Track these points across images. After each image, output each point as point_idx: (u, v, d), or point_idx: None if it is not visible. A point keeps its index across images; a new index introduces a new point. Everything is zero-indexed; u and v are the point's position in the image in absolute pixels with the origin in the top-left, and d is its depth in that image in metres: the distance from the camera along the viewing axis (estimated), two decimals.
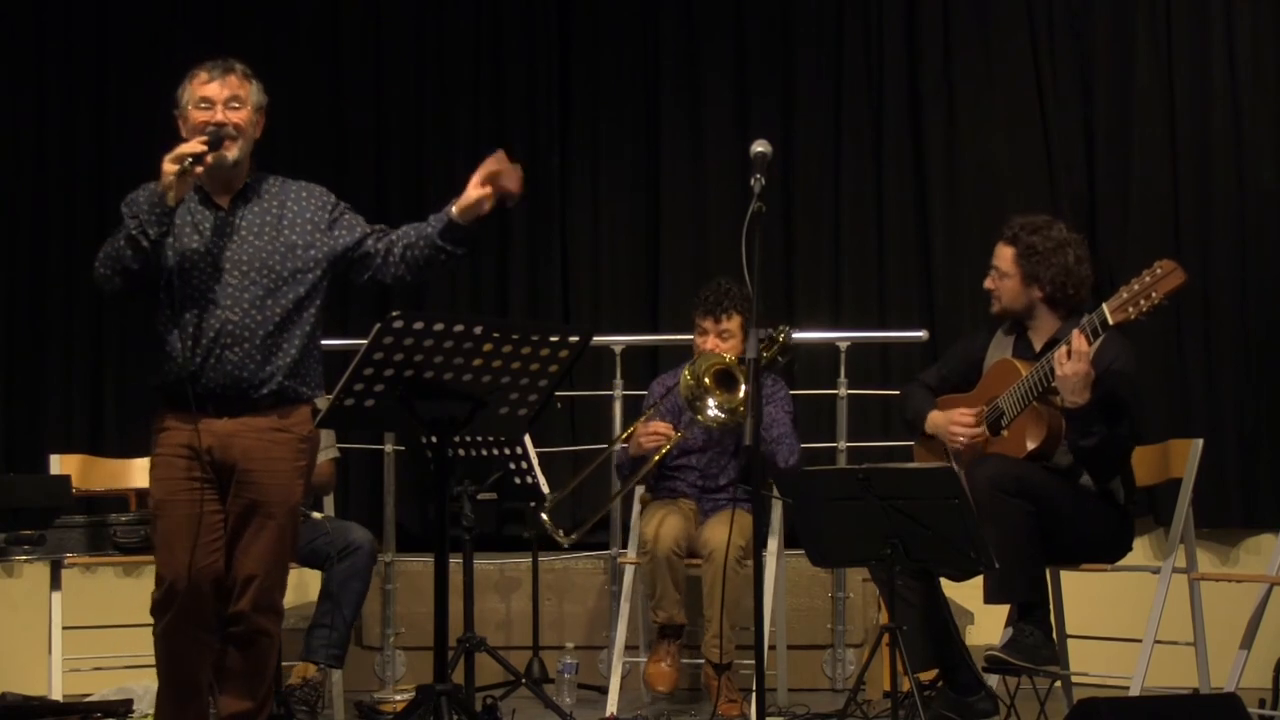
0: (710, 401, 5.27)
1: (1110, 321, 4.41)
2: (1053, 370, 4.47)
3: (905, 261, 6.92)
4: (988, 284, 4.84)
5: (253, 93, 4.17)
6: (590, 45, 7.16)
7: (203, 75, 4.13)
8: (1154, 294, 4.36)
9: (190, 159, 3.94)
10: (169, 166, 3.94)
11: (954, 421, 4.77)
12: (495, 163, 4.11)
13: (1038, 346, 4.75)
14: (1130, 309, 4.38)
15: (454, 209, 4.11)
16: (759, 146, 4.10)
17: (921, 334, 6.27)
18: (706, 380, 5.28)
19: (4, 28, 7.03)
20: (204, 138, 4.02)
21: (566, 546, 5.48)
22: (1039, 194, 6.77)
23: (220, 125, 4.07)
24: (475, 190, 4.10)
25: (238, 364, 4.06)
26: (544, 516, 5.33)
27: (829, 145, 6.99)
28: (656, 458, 5.40)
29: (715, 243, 6.90)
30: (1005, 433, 4.66)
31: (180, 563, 4.06)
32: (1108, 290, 4.81)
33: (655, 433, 5.38)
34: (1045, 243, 4.73)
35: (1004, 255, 4.79)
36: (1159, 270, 4.37)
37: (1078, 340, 4.40)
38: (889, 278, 6.92)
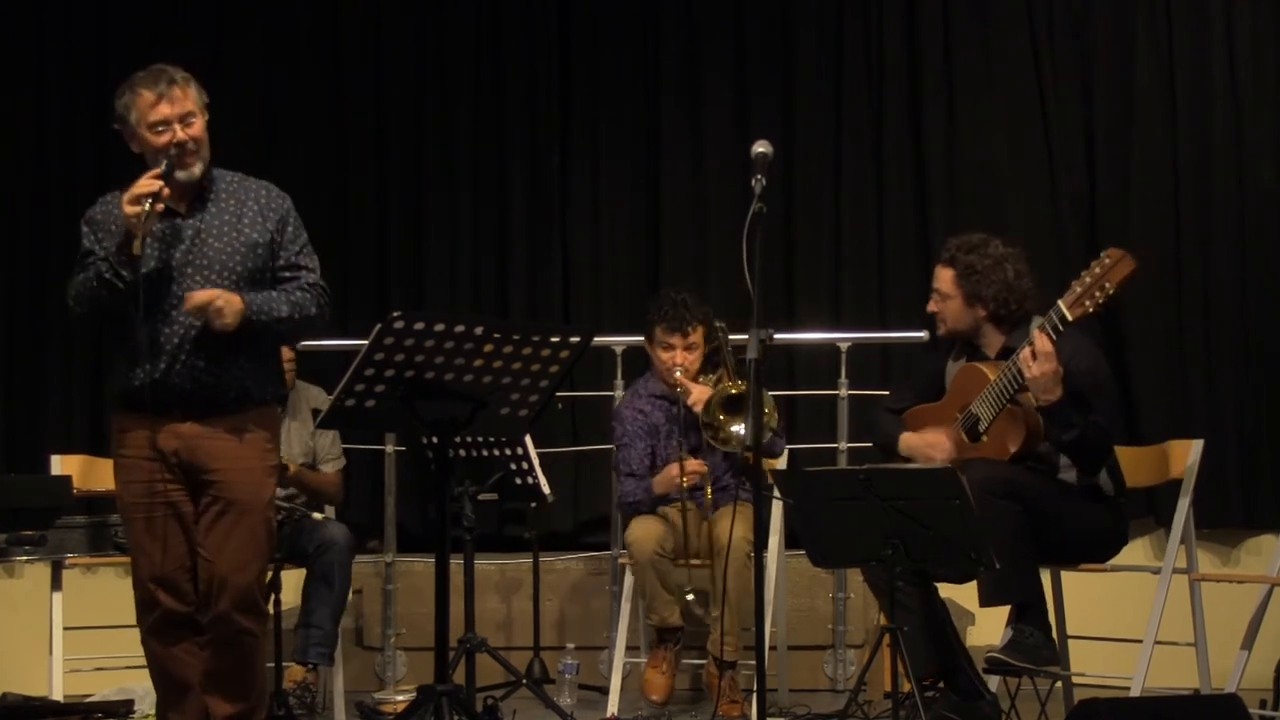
0: (733, 430, 5.27)
1: (1069, 318, 4.40)
2: (1020, 372, 4.47)
3: (906, 262, 6.90)
4: (931, 307, 4.84)
5: (196, 97, 4.12)
6: (590, 45, 7.15)
7: (149, 96, 4.07)
8: (1107, 284, 4.34)
9: (149, 199, 3.91)
10: (130, 209, 3.91)
11: (929, 444, 4.77)
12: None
13: (992, 356, 4.74)
14: (1086, 302, 4.37)
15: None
16: (760, 147, 4.10)
17: (922, 334, 6.25)
18: (721, 417, 5.28)
19: (4, 28, 7.02)
20: (156, 172, 3.99)
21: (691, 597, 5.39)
22: (1039, 194, 6.78)
23: (184, 145, 4.05)
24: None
25: (203, 369, 4.05)
26: (690, 597, 5.31)
27: (829, 145, 6.98)
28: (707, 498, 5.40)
29: (716, 243, 6.90)
30: (985, 438, 4.65)
31: (157, 565, 4.06)
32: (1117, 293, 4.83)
33: (695, 471, 5.36)
34: (983, 261, 4.71)
35: (944, 278, 4.78)
36: (1107, 260, 4.36)
37: (1041, 340, 4.40)
38: (889, 278, 6.92)
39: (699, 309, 5.44)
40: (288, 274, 4.18)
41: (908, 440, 4.83)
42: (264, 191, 4.23)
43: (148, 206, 3.90)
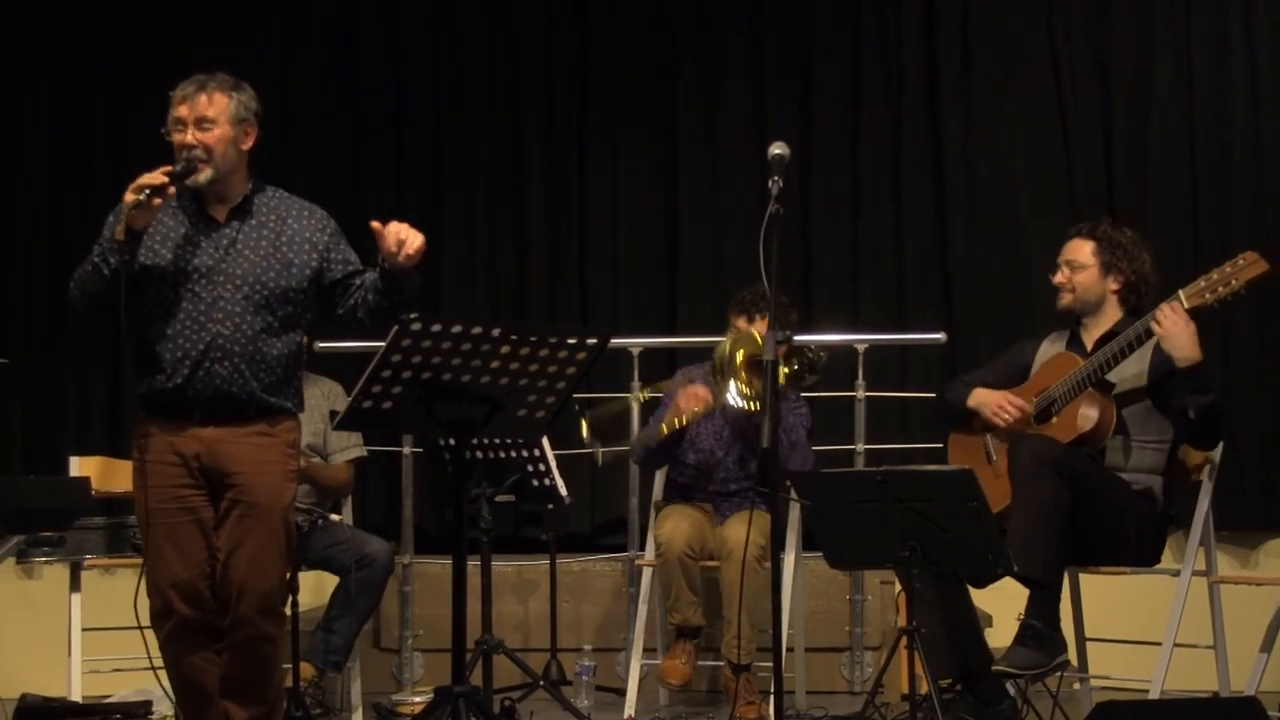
0: (733, 385, 5.22)
1: (1185, 305, 4.50)
2: (1108, 362, 4.55)
3: (923, 263, 6.90)
4: (1057, 279, 4.89)
5: (231, 107, 4.10)
6: (608, 46, 7.15)
7: (177, 96, 4.10)
8: (1234, 281, 4.45)
9: (149, 190, 3.90)
10: (128, 197, 3.90)
11: (1007, 399, 4.78)
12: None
13: (1089, 345, 4.78)
14: (1207, 295, 4.49)
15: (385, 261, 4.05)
16: (777, 149, 4.09)
17: (939, 336, 6.27)
18: (739, 357, 5.22)
19: (21, 34, 7.04)
20: (168, 168, 3.98)
21: (600, 466, 5.44)
22: (1057, 196, 6.76)
23: (191, 149, 4.04)
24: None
25: (226, 378, 4.05)
26: (584, 424, 5.35)
27: (847, 147, 6.97)
28: (693, 415, 5.35)
29: (733, 245, 6.89)
30: (1055, 420, 4.68)
31: (175, 571, 4.06)
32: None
33: (697, 395, 5.33)
34: (1125, 239, 4.85)
35: (1081, 249, 4.86)
36: (1241, 261, 4.47)
37: (1169, 305, 4.50)
38: (907, 280, 6.91)
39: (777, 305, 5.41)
40: (358, 279, 4.20)
41: (980, 394, 4.86)
42: (307, 213, 4.23)
43: (143, 197, 3.89)
